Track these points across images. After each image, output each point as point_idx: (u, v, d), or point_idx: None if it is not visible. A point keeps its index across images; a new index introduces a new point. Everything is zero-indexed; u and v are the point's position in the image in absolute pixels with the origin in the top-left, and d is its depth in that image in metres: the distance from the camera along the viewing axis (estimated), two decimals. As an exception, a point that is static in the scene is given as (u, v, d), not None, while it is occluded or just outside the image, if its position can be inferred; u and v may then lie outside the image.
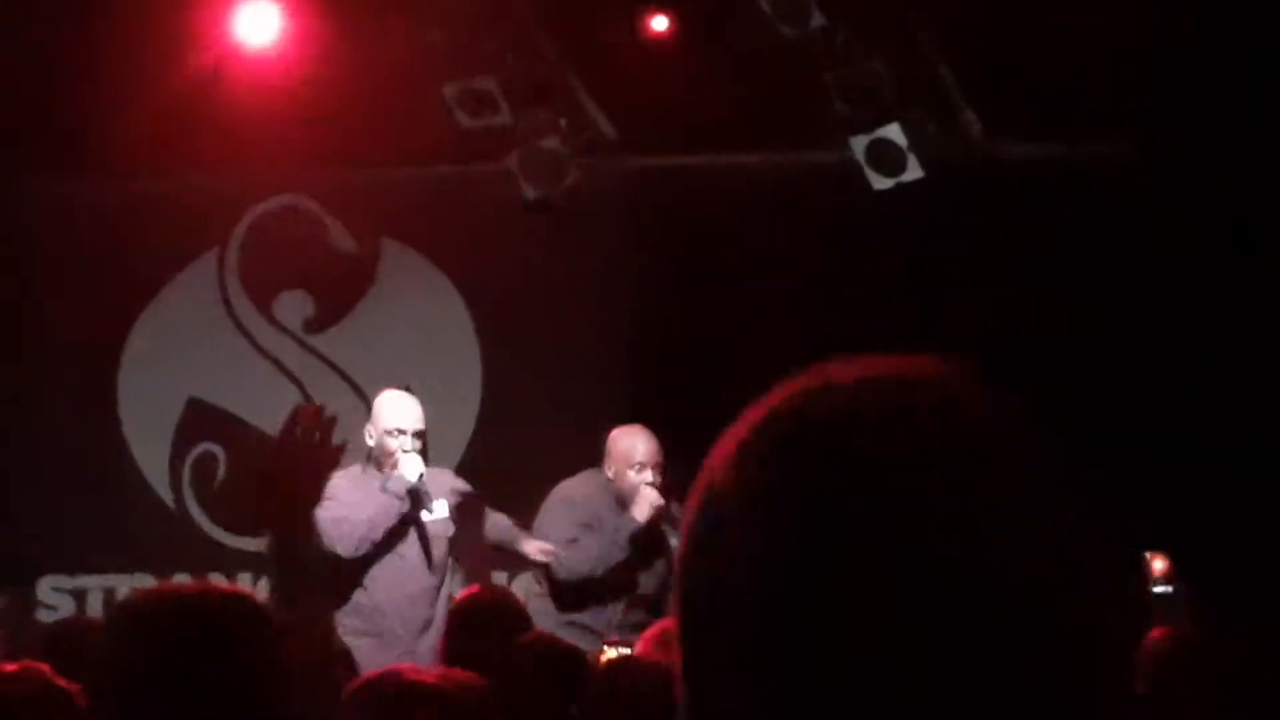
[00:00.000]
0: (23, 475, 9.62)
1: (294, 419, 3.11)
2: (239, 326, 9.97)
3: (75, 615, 9.12)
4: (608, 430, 8.09)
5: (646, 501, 7.52)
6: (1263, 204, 8.11)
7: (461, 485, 7.83)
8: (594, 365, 9.37)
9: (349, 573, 7.50)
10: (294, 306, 9.96)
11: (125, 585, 9.65)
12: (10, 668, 3.24)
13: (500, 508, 8.36)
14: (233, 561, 9.46)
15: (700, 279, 9.12)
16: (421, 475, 7.44)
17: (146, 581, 9.51)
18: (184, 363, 9.88)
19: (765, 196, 9.09)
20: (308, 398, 9.89)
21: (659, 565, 7.58)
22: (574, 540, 7.54)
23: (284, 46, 8.91)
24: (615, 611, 7.43)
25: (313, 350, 9.94)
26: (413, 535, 7.53)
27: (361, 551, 7.41)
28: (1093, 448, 1.11)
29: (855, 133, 8.55)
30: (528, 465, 9.10)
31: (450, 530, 7.60)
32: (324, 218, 9.91)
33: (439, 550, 7.54)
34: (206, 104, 8.92)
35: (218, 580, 8.60)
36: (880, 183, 8.57)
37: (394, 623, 7.40)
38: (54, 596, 9.64)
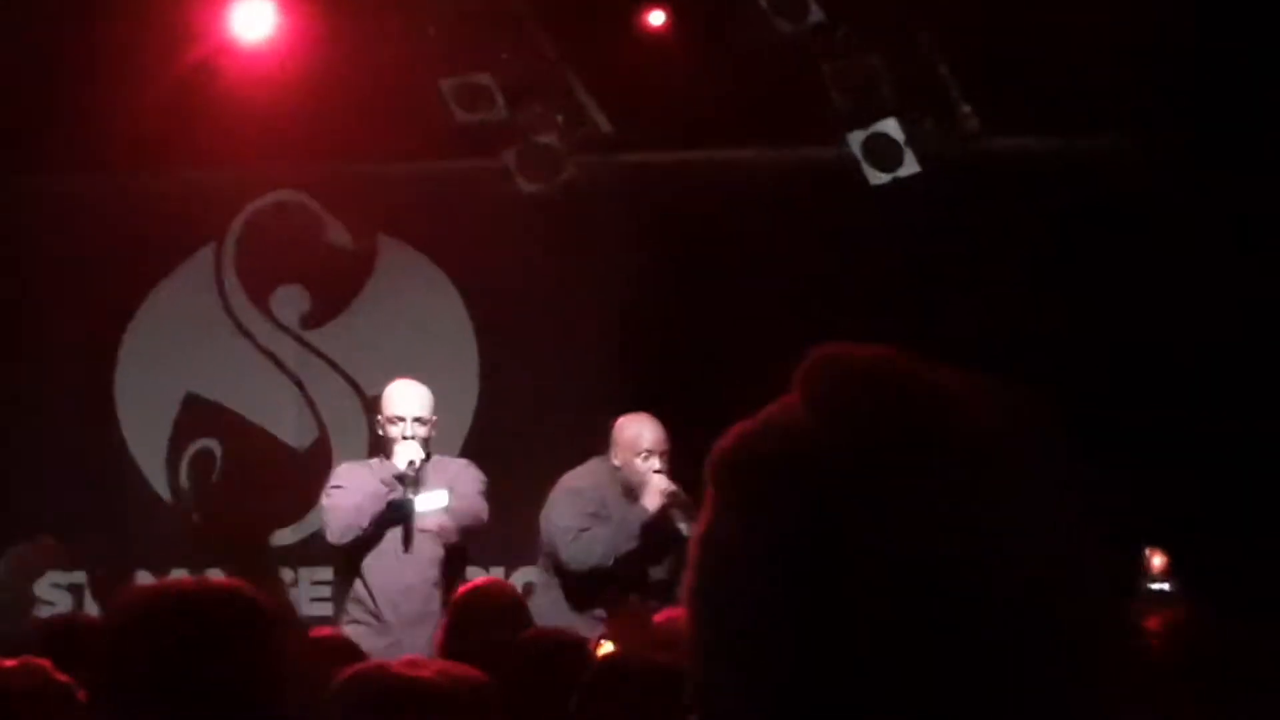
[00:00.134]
0: (20, 471, 9.62)
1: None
2: (236, 323, 9.96)
3: (71, 611, 9.11)
4: (605, 423, 8.08)
5: (656, 490, 7.47)
6: (1262, 200, 8.12)
7: (472, 475, 7.72)
8: (591, 359, 9.37)
9: (353, 560, 7.53)
10: (291, 302, 9.96)
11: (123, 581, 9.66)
12: (10, 662, 3.24)
13: (498, 501, 8.36)
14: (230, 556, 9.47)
15: (697, 274, 9.12)
16: (413, 463, 7.40)
17: (144, 578, 9.52)
18: (181, 359, 9.88)
19: (762, 192, 9.09)
20: (305, 393, 9.89)
21: (670, 553, 7.54)
22: (583, 530, 7.50)
23: (280, 42, 8.91)
24: (626, 601, 7.36)
25: (310, 346, 9.94)
26: (408, 524, 7.51)
27: (350, 537, 7.42)
28: (1090, 446, 1.11)
29: (852, 128, 8.55)
30: (525, 459, 9.10)
31: (450, 521, 7.54)
32: (320, 213, 9.90)
33: (433, 540, 7.49)
34: (202, 100, 8.91)
35: (215, 576, 8.60)
36: (877, 178, 8.57)
37: (386, 612, 7.39)
38: (52, 593, 9.64)
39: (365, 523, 7.39)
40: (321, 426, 9.82)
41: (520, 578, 9.41)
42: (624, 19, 8.93)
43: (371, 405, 8.55)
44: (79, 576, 9.71)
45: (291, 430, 9.86)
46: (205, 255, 10.00)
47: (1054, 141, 8.90)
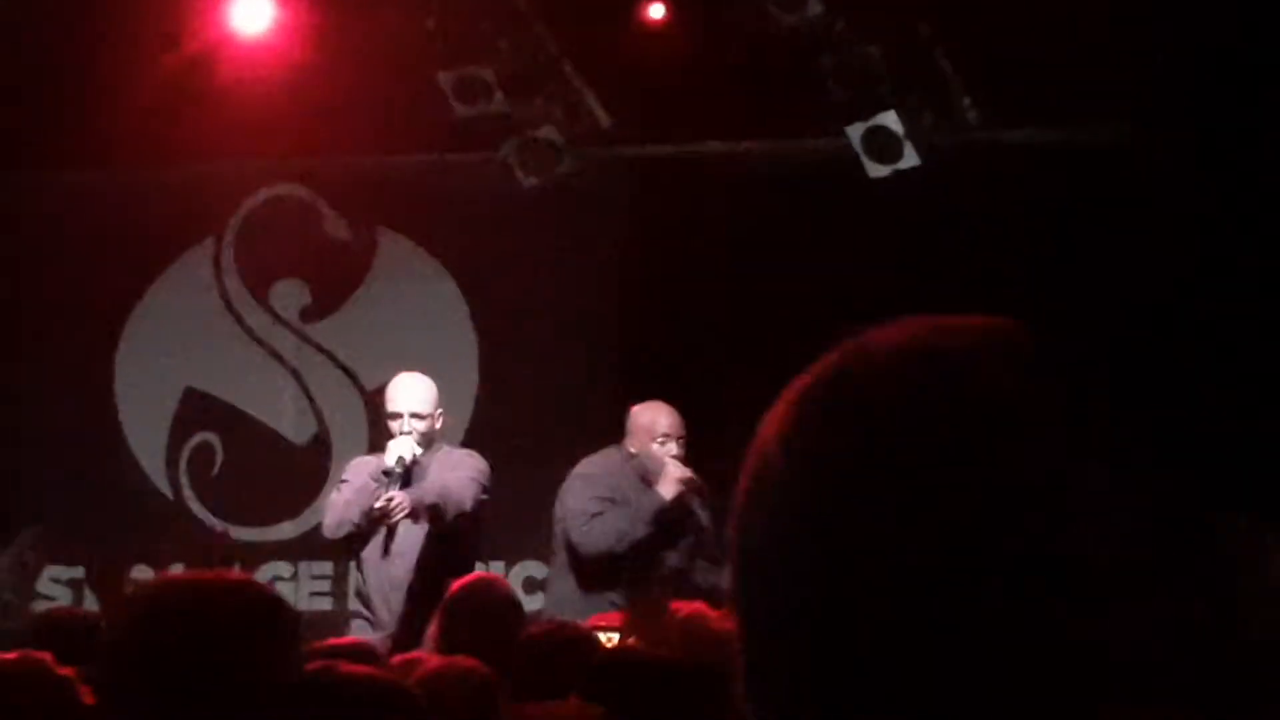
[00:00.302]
0: (20, 465, 9.62)
1: None
2: (235, 316, 9.96)
3: (68, 605, 9.11)
4: (604, 415, 8.07)
5: (672, 476, 7.47)
6: (1264, 192, 8.11)
7: (469, 464, 7.69)
8: (590, 352, 9.37)
9: (353, 555, 7.54)
10: (290, 295, 9.96)
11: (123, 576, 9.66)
12: (9, 656, 3.23)
13: (501, 492, 8.35)
14: (230, 550, 9.47)
15: (696, 267, 9.12)
16: (401, 458, 7.38)
17: (143, 571, 9.52)
18: (180, 353, 9.88)
19: (761, 185, 9.09)
20: (304, 387, 9.89)
21: (686, 540, 7.52)
22: (596, 514, 7.47)
23: (278, 35, 8.90)
24: (640, 587, 7.33)
25: (309, 339, 9.94)
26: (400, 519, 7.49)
27: (343, 533, 7.42)
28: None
29: (852, 120, 8.54)
30: (525, 452, 9.10)
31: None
32: (320, 207, 9.90)
33: (424, 535, 7.46)
34: (200, 94, 8.91)
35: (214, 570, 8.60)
36: (877, 170, 8.56)
37: (378, 606, 7.38)
38: (52, 587, 9.64)
39: (355, 518, 7.38)
40: (321, 420, 9.82)
41: (521, 572, 9.42)
42: (623, 12, 8.93)
43: (371, 399, 8.56)
44: (78, 571, 9.72)
45: (291, 424, 9.86)
46: (205, 249, 10.00)
47: (1054, 133, 8.90)
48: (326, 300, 9.92)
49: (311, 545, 9.11)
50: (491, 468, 7.63)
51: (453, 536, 7.42)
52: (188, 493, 9.89)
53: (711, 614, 5.03)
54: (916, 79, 8.52)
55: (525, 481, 8.98)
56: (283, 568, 9.55)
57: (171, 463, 9.91)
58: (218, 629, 2.41)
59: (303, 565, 9.57)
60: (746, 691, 1.03)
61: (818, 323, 8.77)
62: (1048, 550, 0.97)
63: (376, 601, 7.42)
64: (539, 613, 9.12)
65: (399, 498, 7.31)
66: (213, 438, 9.88)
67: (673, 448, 7.53)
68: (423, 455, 7.47)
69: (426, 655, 5.04)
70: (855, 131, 8.54)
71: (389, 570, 7.43)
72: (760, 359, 8.86)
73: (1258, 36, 8.01)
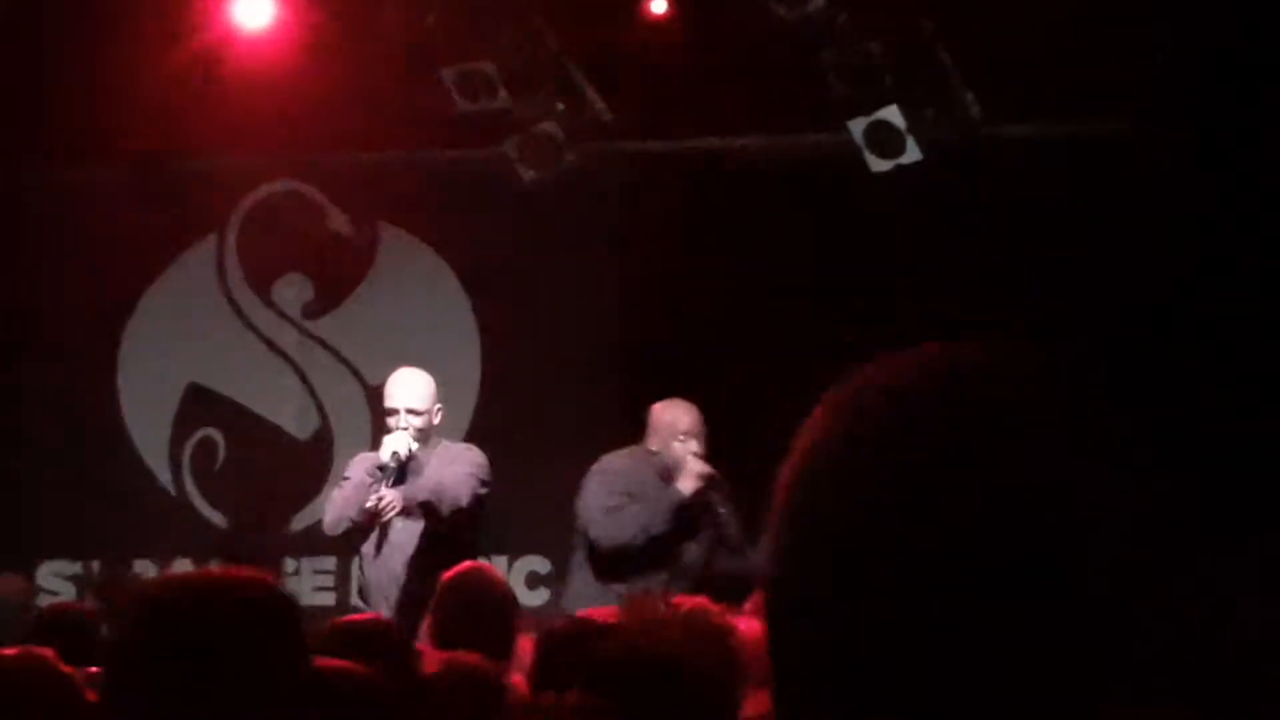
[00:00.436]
0: (23, 461, 9.63)
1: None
2: (238, 312, 9.96)
3: (67, 601, 9.11)
4: (605, 409, 8.08)
5: (693, 472, 7.50)
6: (1263, 183, 8.10)
7: (466, 458, 7.69)
8: (591, 347, 9.37)
9: (354, 550, 7.55)
10: (293, 291, 9.96)
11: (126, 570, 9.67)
12: (10, 652, 3.23)
13: (503, 487, 8.35)
14: (236, 547, 9.47)
15: (696, 261, 9.11)
16: (396, 454, 7.39)
17: (146, 567, 9.53)
18: (183, 348, 9.88)
19: (763, 179, 9.08)
20: (307, 382, 9.89)
21: (705, 536, 7.55)
22: (614, 509, 7.50)
23: (280, 31, 8.90)
24: (659, 581, 7.34)
25: (312, 335, 9.94)
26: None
27: (341, 528, 7.43)
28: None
29: (854, 115, 8.54)
30: (527, 447, 9.10)
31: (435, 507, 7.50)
32: (322, 202, 9.90)
33: (420, 529, 7.45)
34: (203, 89, 8.91)
35: (216, 566, 8.61)
36: (879, 165, 8.56)
37: (377, 600, 7.39)
38: (55, 582, 9.64)
39: (352, 513, 7.39)
40: (323, 416, 9.82)
41: (524, 566, 9.42)
42: (625, 7, 8.92)
43: (373, 394, 8.55)
44: (80, 566, 9.72)
45: (293, 420, 9.86)
46: (207, 245, 10.00)
47: (1055, 128, 8.89)
48: (329, 296, 9.92)
49: (314, 540, 9.11)
50: (490, 461, 7.62)
51: (451, 531, 7.41)
52: (190, 488, 9.89)
53: (713, 608, 5.02)
54: (918, 74, 8.51)
55: (527, 476, 8.98)
56: (286, 563, 9.55)
57: (174, 458, 9.91)
58: (222, 626, 2.41)
59: (305, 561, 9.58)
60: (774, 691, 1.04)
61: (818, 317, 8.82)
62: (1048, 551, 0.97)
63: (375, 596, 7.42)
64: (541, 608, 9.15)
65: (389, 496, 7.32)
66: (215, 433, 9.88)
67: (694, 445, 7.58)
68: (420, 450, 7.46)
69: (423, 648, 5.04)
70: (857, 126, 8.54)
71: (387, 565, 7.44)
72: (761, 353, 8.88)
73: (1259, 32, 8.01)
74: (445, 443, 7.73)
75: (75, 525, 9.60)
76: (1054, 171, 8.75)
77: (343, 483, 7.60)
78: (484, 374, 9.72)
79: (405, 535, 7.44)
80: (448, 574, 5.67)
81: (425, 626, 5.75)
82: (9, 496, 9.57)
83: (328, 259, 9.88)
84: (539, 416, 9.31)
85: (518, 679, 4.86)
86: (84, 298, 9.72)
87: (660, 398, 7.92)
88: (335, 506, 7.48)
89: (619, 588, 7.35)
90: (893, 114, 8.50)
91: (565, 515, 9.01)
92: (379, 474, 7.38)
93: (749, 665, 4.28)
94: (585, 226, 9.45)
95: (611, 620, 5.31)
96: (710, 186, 9.15)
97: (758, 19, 8.37)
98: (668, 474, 7.56)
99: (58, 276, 9.71)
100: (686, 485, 7.50)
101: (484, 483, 7.52)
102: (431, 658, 4.44)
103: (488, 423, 9.45)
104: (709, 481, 7.49)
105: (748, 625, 4.81)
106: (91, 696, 3.09)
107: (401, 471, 7.41)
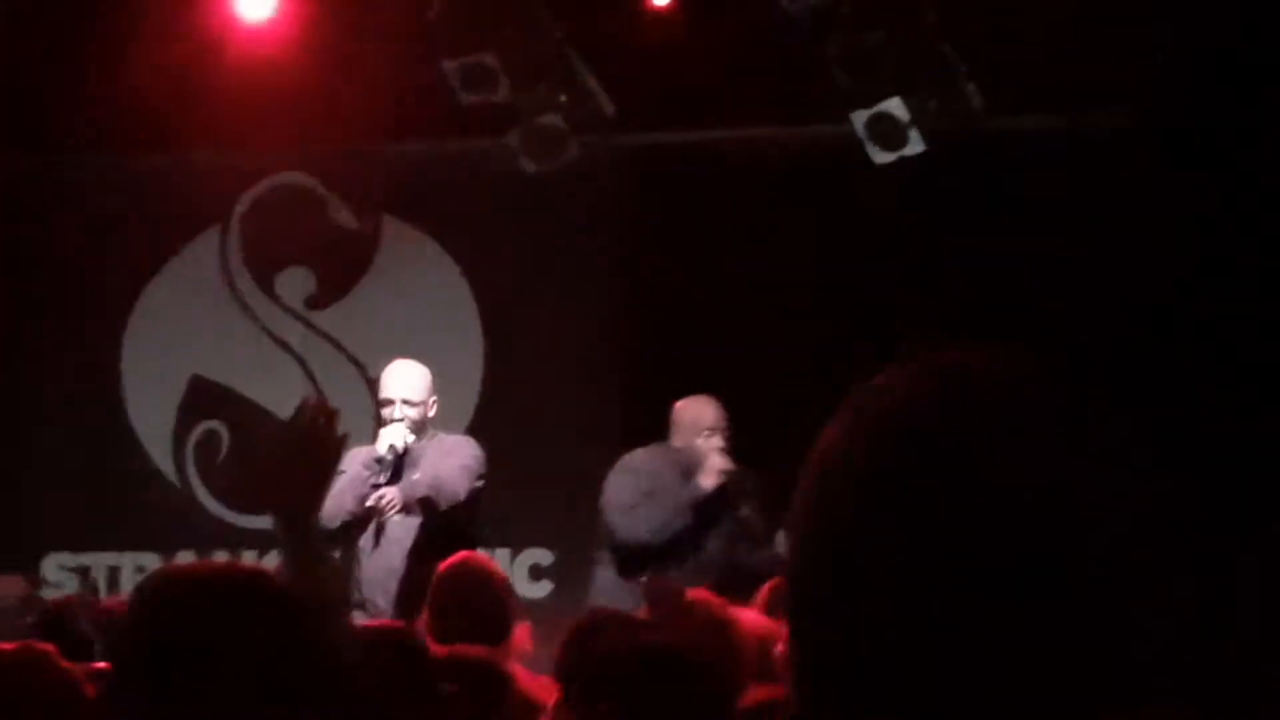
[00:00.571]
0: (27, 453, 9.63)
1: (303, 410, 3.12)
2: (241, 304, 9.97)
3: (75, 594, 9.11)
4: (608, 401, 8.08)
5: (715, 468, 7.52)
6: (1266, 175, 8.10)
7: (462, 450, 7.68)
8: (595, 339, 9.37)
9: (350, 544, 7.53)
10: (296, 284, 9.96)
11: (129, 563, 9.67)
12: (10, 647, 3.22)
13: (506, 479, 8.36)
14: (237, 539, 9.47)
15: (700, 253, 9.11)
16: (393, 446, 7.38)
17: (150, 559, 9.53)
18: (186, 341, 9.89)
19: (766, 171, 9.08)
20: (310, 375, 9.90)
21: (725, 532, 7.57)
22: (635, 504, 7.52)
23: (283, 23, 8.90)
24: (681, 577, 7.35)
25: (315, 327, 9.95)
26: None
27: (338, 522, 7.41)
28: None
29: (857, 107, 8.53)
30: (530, 439, 9.11)
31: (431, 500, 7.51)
32: (325, 195, 9.90)
33: (416, 522, 7.45)
34: (205, 82, 8.91)
35: (220, 558, 8.62)
36: (882, 157, 8.55)
37: (376, 594, 7.38)
38: (59, 574, 9.65)
39: (350, 506, 7.38)
40: (327, 408, 9.81)
41: (526, 559, 9.43)
42: (628, -1, 8.93)
43: (376, 387, 8.54)
44: (86, 559, 9.73)
45: (297, 412, 9.84)
46: (210, 237, 10.00)
47: (1058, 120, 8.88)
48: (332, 288, 9.92)
49: (329, 534, 9.12)
50: (488, 453, 7.62)
51: (448, 524, 7.42)
52: (194, 480, 9.90)
53: (714, 600, 5.03)
54: (921, 66, 8.50)
55: (530, 468, 9.00)
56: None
57: (178, 450, 9.91)
58: (226, 619, 2.41)
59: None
60: (792, 684, 1.05)
61: (820, 309, 8.80)
62: (1049, 552, 0.97)
63: (374, 589, 7.42)
64: (544, 599, 9.16)
65: (390, 494, 7.32)
66: (219, 426, 9.88)
67: (717, 441, 7.59)
68: (415, 442, 7.46)
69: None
70: (860, 118, 8.53)
71: (385, 558, 7.44)
72: (764, 346, 8.88)
73: (1261, 25, 8.00)
74: (440, 434, 7.72)
75: (79, 517, 9.61)
76: (1056, 163, 8.74)
77: (337, 476, 7.58)
78: (487, 366, 9.72)
79: (402, 529, 7.44)
80: (442, 565, 5.68)
81: (422, 618, 5.76)
82: (13, 489, 9.58)
83: (331, 251, 9.88)
84: (542, 408, 9.32)
85: (516, 667, 4.86)
86: (88, 290, 9.73)
87: (663, 390, 7.93)
88: (331, 501, 7.46)
89: (640, 582, 7.38)
90: (896, 106, 8.49)
91: (568, 507, 9.03)
92: (375, 466, 7.37)
93: (749, 657, 4.28)
94: (588, 218, 9.45)
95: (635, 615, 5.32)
96: (713, 179, 9.15)
97: (760, 11, 8.37)
98: (690, 470, 7.58)
99: (61, 269, 9.72)
100: (708, 481, 7.51)
101: (480, 475, 7.51)
102: (433, 651, 4.45)
103: (491, 415, 9.46)
104: (731, 477, 7.51)
105: (750, 618, 4.82)
106: (91, 692, 3.09)
107: (398, 463, 7.41)
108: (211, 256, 9.98)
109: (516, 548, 9.38)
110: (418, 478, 7.42)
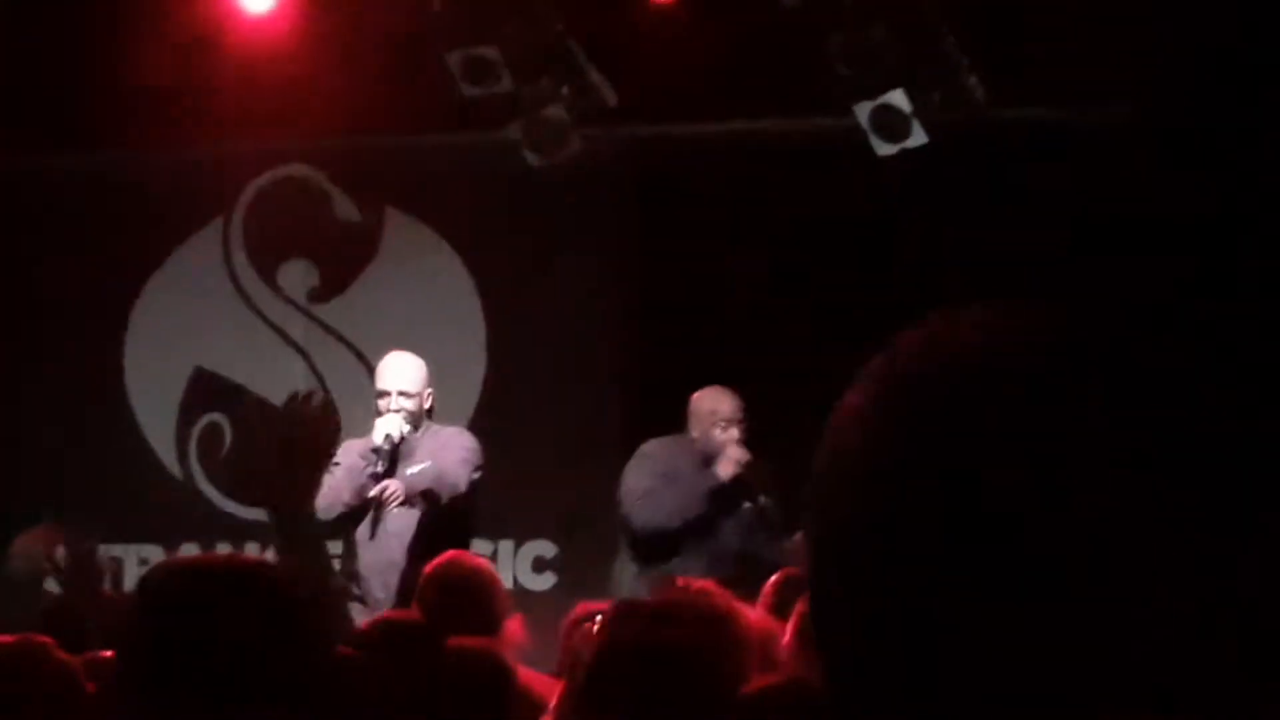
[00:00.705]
0: (30, 446, 9.64)
1: (298, 399, 3.12)
2: (244, 297, 9.97)
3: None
4: (612, 394, 8.08)
5: (731, 457, 7.57)
6: (1270, 167, 8.09)
7: (459, 443, 7.69)
8: (598, 332, 9.37)
9: (347, 537, 7.55)
10: (298, 276, 9.97)
11: (133, 556, 9.68)
12: (8, 639, 3.22)
13: (510, 472, 8.37)
14: (240, 532, 9.48)
15: (703, 245, 9.11)
16: (389, 436, 7.40)
17: (154, 552, 9.54)
18: (189, 334, 9.89)
19: (769, 164, 9.07)
20: (313, 368, 9.90)
21: (743, 523, 7.60)
22: (649, 492, 7.56)
23: (284, 15, 8.90)
24: (697, 566, 7.39)
25: (317, 320, 9.95)
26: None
27: (334, 514, 7.43)
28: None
29: (859, 99, 8.52)
30: (533, 432, 9.12)
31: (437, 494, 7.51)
32: (327, 187, 9.90)
33: (415, 514, 7.46)
34: (208, 75, 8.91)
35: (223, 550, 8.62)
36: (884, 149, 8.54)
37: (374, 587, 7.39)
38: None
39: (346, 498, 7.39)
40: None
41: (530, 551, 9.43)
42: (630, -9, 8.92)
43: (376, 380, 8.53)
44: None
45: (300, 405, 9.84)
46: (213, 230, 10.00)
47: (1061, 112, 8.87)
48: (335, 281, 9.92)
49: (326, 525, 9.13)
50: (487, 445, 7.65)
51: (447, 515, 7.44)
52: (197, 473, 9.90)
53: (719, 591, 5.03)
54: (924, 57, 8.49)
55: (534, 460, 9.00)
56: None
57: (181, 443, 9.92)
58: (230, 612, 2.41)
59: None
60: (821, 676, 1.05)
61: (824, 301, 8.79)
62: (1048, 551, 0.97)
63: (372, 581, 7.43)
64: (548, 592, 9.16)
65: (393, 485, 7.33)
66: (222, 419, 9.89)
67: (734, 432, 7.63)
68: (411, 434, 7.48)
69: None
70: (863, 110, 8.53)
71: (383, 551, 7.45)
72: (768, 338, 8.87)
73: (1265, 18, 7.99)
74: (435, 426, 7.73)
75: (82, 511, 9.61)
76: (1059, 154, 8.73)
77: (333, 468, 7.60)
78: (490, 358, 9.72)
79: (401, 522, 7.45)
80: (429, 566, 5.70)
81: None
82: (15, 482, 9.58)
83: (333, 244, 9.89)
84: (545, 399, 9.32)
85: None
86: (90, 283, 9.74)
87: (666, 382, 7.95)
88: (327, 492, 7.48)
89: (657, 570, 7.41)
90: (898, 98, 8.49)
91: (572, 499, 9.04)
92: (372, 457, 7.39)
93: (752, 649, 4.28)
94: (591, 211, 9.44)
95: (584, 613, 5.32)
96: (716, 171, 9.14)
97: (763, 3, 8.36)
98: (707, 460, 7.63)
99: (64, 262, 9.72)
100: (724, 470, 7.57)
101: (478, 466, 7.55)
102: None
103: (494, 406, 9.46)
104: (747, 467, 7.55)
105: (753, 615, 4.81)
106: (90, 686, 3.09)
107: (394, 454, 7.43)
108: (214, 249, 9.98)
109: (520, 540, 9.38)
110: (421, 470, 7.43)
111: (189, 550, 9.27)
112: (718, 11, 8.68)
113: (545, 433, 9.17)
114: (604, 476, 8.16)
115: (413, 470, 7.50)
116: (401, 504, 7.39)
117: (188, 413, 9.92)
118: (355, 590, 7.48)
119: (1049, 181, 8.65)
